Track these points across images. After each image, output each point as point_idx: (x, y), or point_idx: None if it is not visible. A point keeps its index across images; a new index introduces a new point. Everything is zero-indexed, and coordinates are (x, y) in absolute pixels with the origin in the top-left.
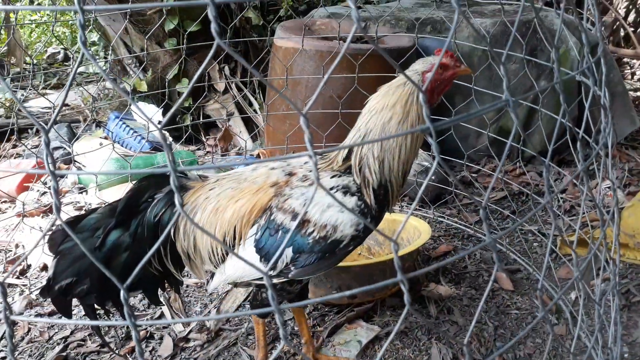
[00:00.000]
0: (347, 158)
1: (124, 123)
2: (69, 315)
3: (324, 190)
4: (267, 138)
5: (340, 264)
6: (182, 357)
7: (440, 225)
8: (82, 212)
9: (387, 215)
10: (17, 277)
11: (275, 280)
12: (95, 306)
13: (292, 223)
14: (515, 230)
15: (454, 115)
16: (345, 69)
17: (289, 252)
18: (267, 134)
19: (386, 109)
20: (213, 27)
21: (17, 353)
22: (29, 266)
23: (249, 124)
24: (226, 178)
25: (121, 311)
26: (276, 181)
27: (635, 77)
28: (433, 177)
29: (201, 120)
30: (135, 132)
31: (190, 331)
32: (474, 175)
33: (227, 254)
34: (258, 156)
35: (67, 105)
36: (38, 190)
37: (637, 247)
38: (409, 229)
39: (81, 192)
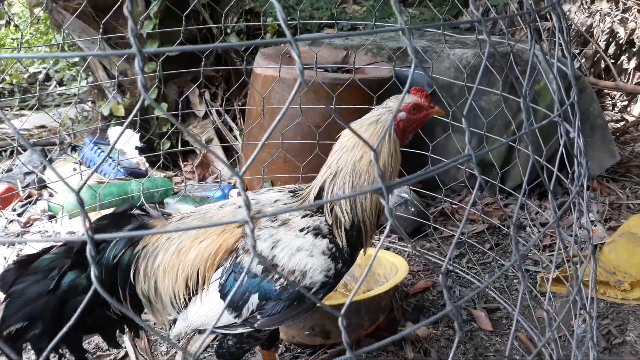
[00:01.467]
0: (319, 196)
1: (99, 148)
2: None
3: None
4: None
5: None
6: None
7: (419, 259)
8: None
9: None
10: None
11: (240, 330)
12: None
13: (258, 267)
14: (494, 267)
15: (431, 149)
16: (323, 99)
17: (254, 298)
18: (245, 162)
19: (357, 147)
20: (140, 79)
21: None
22: None
23: (229, 151)
24: (191, 216)
25: (76, 355)
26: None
27: (616, 109)
28: (412, 209)
29: (179, 147)
30: (111, 158)
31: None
32: (455, 206)
33: (189, 299)
34: (234, 187)
35: (43, 127)
36: (6, 218)
37: (618, 284)
38: (386, 264)
39: (50, 220)
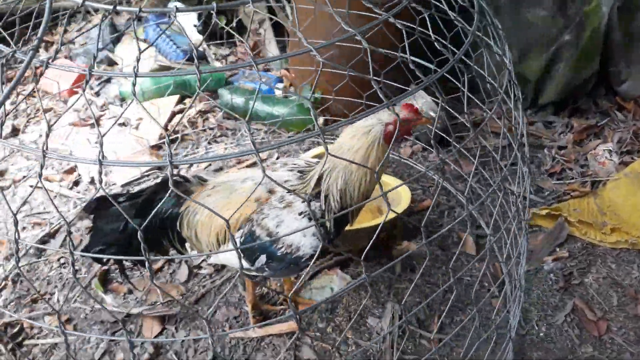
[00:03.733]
0: (318, 184)
1: (161, 29)
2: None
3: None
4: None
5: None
6: (194, 282)
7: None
8: (122, 124)
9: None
10: (70, 189)
11: (254, 273)
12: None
13: (266, 238)
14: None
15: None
16: None
17: (263, 258)
18: (291, 47)
19: (351, 151)
20: None
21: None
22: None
23: (281, 30)
24: (220, 187)
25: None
26: (259, 197)
27: None
28: (439, 122)
29: (234, 23)
30: (172, 40)
31: (202, 260)
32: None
33: (219, 246)
34: (281, 80)
35: None
36: (86, 100)
37: (602, 226)
38: (392, 192)
39: (121, 104)
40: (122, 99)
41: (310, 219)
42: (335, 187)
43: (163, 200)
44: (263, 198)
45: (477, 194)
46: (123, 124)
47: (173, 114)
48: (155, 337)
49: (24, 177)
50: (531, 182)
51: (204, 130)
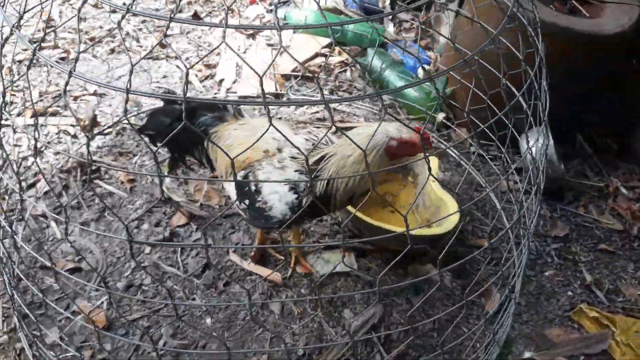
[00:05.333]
0: (317, 162)
1: None
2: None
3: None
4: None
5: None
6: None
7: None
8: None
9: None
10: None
11: (240, 212)
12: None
13: (252, 186)
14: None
15: None
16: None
17: (246, 202)
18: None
19: (350, 147)
20: None
21: None
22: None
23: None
24: (249, 126)
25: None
26: (268, 150)
27: None
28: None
29: None
30: None
31: None
32: None
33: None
34: (428, 63)
35: None
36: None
37: None
38: (435, 200)
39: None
40: (285, 23)
41: (290, 189)
42: (327, 172)
43: (204, 117)
44: (270, 152)
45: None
46: (271, 45)
47: (316, 55)
48: (178, 227)
49: None
50: (612, 279)
51: (335, 80)
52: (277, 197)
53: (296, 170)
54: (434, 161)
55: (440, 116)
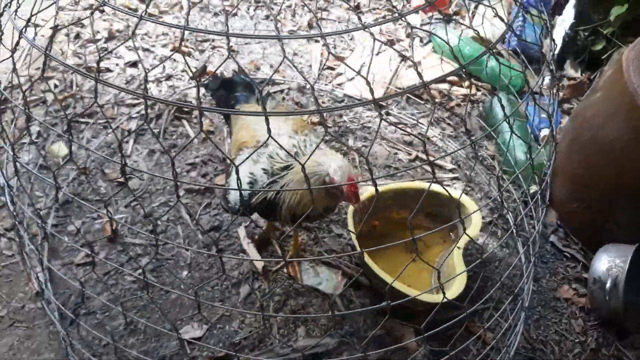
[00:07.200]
0: (283, 169)
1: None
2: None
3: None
4: None
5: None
6: None
7: None
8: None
9: None
10: None
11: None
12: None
13: (229, 169)
14: None
15: None
16: None
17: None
18: None
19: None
20: None
21: None
22: None
23: None
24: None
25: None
26: (259, 141)
27: None
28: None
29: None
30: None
31: None
32: None
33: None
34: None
35: None
36: None
37: None
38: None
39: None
40: (428, 42)
41: (249, 183)
42: (283, 180)
43: (239, 93)
44: (260, 143)
45: None
46: (403, 58)
47: (444, 79)
48: (218, 185)
49: None
50: None
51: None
52: (234, 186)
53: (263, 169)
54: (477, 220)
55: (533, 188)
